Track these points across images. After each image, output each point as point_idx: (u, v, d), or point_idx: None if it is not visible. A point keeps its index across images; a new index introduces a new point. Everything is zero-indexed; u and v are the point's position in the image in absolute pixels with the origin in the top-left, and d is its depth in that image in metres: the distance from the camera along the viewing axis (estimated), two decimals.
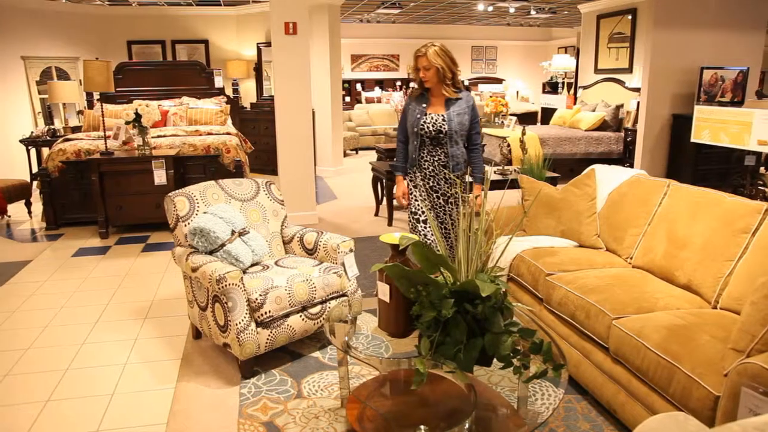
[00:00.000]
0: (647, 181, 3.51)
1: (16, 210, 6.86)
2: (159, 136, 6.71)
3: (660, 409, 2.29)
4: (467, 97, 3.65)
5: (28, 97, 9.10)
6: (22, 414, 2.86)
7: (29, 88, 9.09)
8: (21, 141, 7.84)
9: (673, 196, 3.24)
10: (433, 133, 3.63)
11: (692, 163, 6.85)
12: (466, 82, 15.96)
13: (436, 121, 3.62)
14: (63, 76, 9.66)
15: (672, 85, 6.93)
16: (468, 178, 3.80)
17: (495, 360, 2.10)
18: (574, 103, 10.29)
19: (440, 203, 3.78)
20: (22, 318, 4.00)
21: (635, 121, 8.11)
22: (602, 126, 8.85)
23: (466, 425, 2.09)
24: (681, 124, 6.88)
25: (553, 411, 2.30)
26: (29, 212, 6.82)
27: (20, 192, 6.62)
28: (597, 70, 9.99)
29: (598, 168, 3.91)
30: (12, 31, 8.74)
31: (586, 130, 8.80)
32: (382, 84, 15.91)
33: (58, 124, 8.61)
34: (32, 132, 8.20)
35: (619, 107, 8.86)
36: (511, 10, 12.17)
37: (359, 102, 14.78)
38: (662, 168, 7.18)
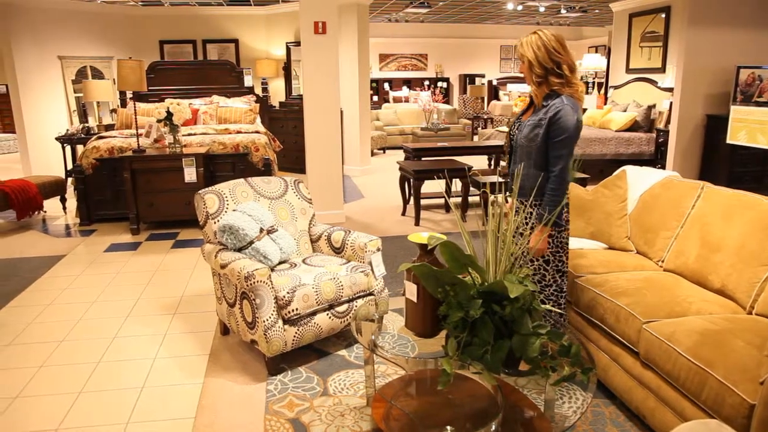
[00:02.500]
0: (680, 183, 3.44)
1: (51, 206, 7.03)
2: (189, 135, 6.80)
3: (691, 415, 2.25)
4: (552, 106, 2.76)
5: (64, 96, 9.34)
6: (56, 404, 2.93)
7: (65, 87, 9.33)
8: (57, 138, 8.04)
9: (707, 198, 3.17)
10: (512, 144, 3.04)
11: (727, 164, 6.69)
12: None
13: (515, 129, 3.01)
14: (97, 75, 9.87)
15: (706, 84, 6.78)
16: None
17: (522, 362, 2.09)
18: (605, 103, 10.14)
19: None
20: (57, 311, 4.10)
21: (668, 122, 7.95)
22: (633, 126, 8.70)
23: (493, 427, 2.08)
24: (715, 124, 6.73)
25: (581, 415, 2.28)
26: (64, 208, 6.98)
27: (55, 188, 6.78)
28: (628, 70, 9.82)
29: (630, 169, 3.85)
30: (50, 31, 8.97)
31: (616, 131, 8.67)
32: (409, 83, 15.90)
33: (92, 122, 8.80)
34: (68, 130, 8.41)
35: (651, 107, 8.70)
36: (541, 9, 12.05)
37: (387, 101, 14.79)
38: (695, 170, 7.03)
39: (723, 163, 6.73)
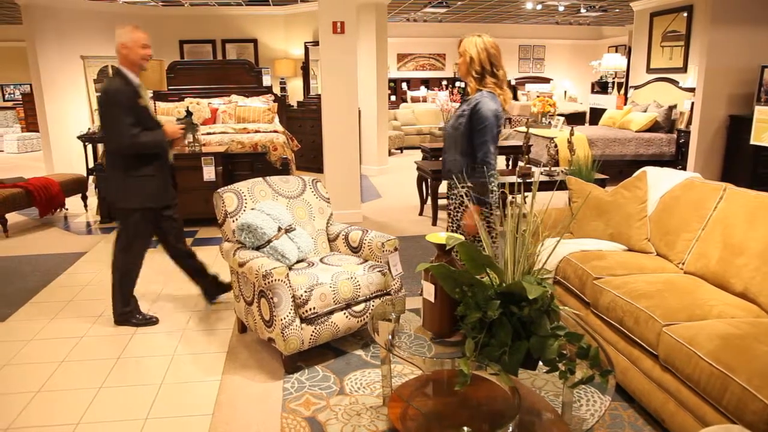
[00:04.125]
0: (702, 185, 3.39)
1: (72, 203, 7.12)
2: (208, 134, 6.87)
3: (712, 420, 2.22)
4: (473, 99, 3.11)
5: (86, 95, 9.47)
6: (77, 399, 2.98)
7: (87, 87, 9.46)
8: (79, 137, 8.14)
9: (730, 200, 3.12)
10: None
11: (750, 166, 6.58)
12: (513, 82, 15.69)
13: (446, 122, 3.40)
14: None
15: (729, 84, 6.68)
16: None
17: (540, 363, 2.07)
18: (625, 104, 10.02)
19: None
20: (78, 307, 4.16)
21: (689, 123, 7.85)
22: (654, 127, 8.60)
23: (510, 429, 2.07)
24: (738, 125, 6.63)
25: (599, 418, 2.25)
26: (85, 206, 7.08)
27: (77, 186, 6.87)
28: (649, 70, 9.71)
29: (650, 170, 3.81)
30: (72, 31, 9.10)
31: (636, 131, 8.57)
32: (427, 83, 15.87)
33: None
34: (89, 128, 8.51)
35: (671, 108, 8.59)
36: (561, 9, 11.95)
37: (405, 101, 14.77)
38: (717, 171, 6.93)
39: (746, 164, 6.62)
